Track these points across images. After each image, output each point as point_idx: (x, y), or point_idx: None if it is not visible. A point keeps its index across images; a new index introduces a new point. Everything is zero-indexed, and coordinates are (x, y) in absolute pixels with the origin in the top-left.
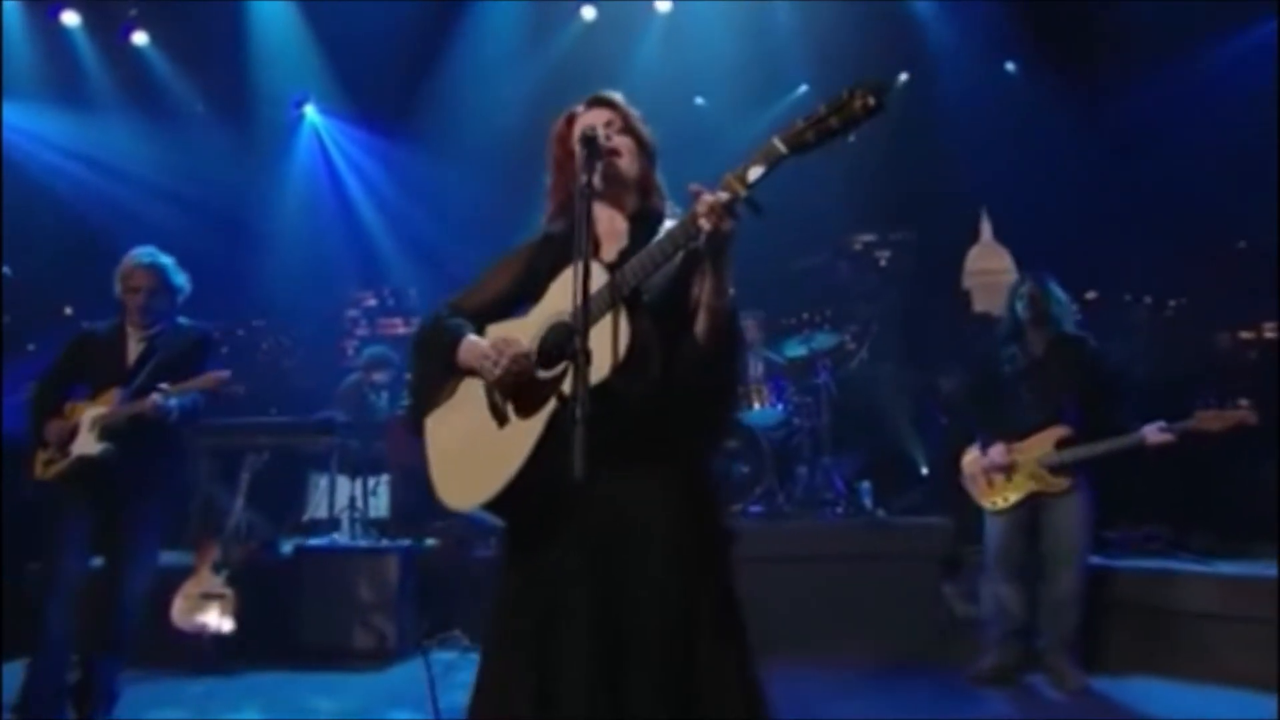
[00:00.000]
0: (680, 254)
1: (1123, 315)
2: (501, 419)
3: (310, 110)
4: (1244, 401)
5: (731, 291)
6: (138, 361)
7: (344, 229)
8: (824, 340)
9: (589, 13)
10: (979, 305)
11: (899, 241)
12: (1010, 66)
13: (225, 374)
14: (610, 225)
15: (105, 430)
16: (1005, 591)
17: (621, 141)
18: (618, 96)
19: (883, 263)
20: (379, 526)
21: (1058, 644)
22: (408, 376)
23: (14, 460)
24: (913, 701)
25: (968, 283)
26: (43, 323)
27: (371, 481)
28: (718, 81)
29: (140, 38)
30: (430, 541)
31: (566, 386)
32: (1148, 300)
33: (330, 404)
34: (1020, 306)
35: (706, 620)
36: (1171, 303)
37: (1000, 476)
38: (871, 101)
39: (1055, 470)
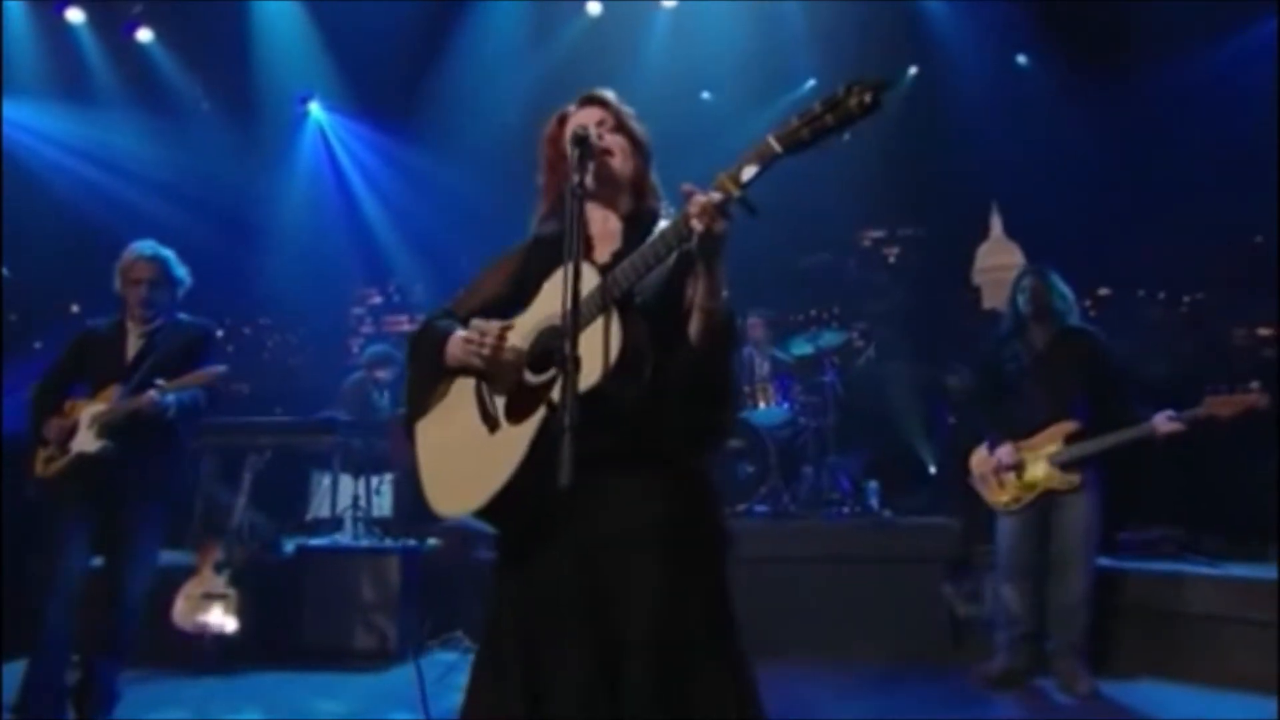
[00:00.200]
0: (674, 255)
1: (1136, 311)
2: (492, 425)
3: (315, 107)
4: (1255, 384)
5: (726, 293)
6: (137, 358)
7: (349, 226)
8: (831, 338)
9: (594, 8)
10: (989, 302)
11: (908, 238)
12: (1021, 59)
13: (222, 369)
14: (604, 226)
15: (104, 427)
16: (1015, 594)
17: (614, 140)
18: (610, 95)
19: (891, 259)
20: (382, 526)
21: (1066, 647)
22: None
23: (17, 459)
24: (919, 704)
25: (978, 279)
26: (48, 321)
27: (375, 481)
28: (724, 77)
29: (145, 35)
30: (433, 542)
31: (557, 393)
32: (1162, 296)
33: (335, 402)
34: (1022, 301)
35: (701, 625)
36: (1186, 298)
37: (1010, 476)
38: (868, 99)
39: (1066, 467)
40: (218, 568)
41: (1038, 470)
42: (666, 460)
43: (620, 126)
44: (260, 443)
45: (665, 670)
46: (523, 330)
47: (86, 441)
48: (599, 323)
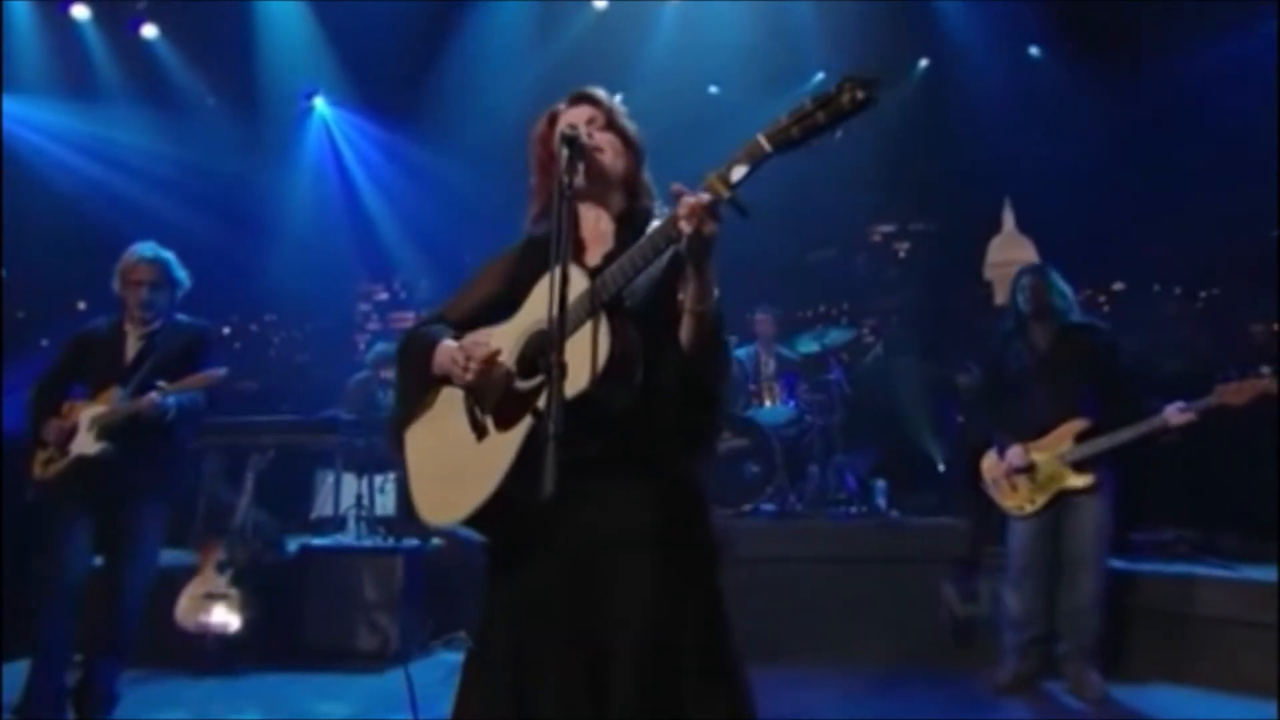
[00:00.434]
0: (665, 257)
1: (1151, 306)
2: (480, 432)
3: (319, 103)
4: (1265, 369)
5: (717, 294)
6: (136, 359)
7: (354, 222)
8: (838, 336)
9: (600, 3)
10: (1001, 298)
11: (918, 233)
12: (1034, 51)
13: (222, 371)
14: (595, 227)
15: (104, 429)
16: (1027, 598)
17: (604, 138)
18: (600, 92)
19: (901, 254)
20: (386, 525)
21: (1077, 650)
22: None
23: (18, 458)
24: (927, 707)
25: (989, 274)
26: (55, 318)
27: (379, 479)
28: (732, 71)
29: (149, 31)
30: (436, 541)
31: (544, 400)
32: (1178, 291)
33: (339, 401)
34: (1021, 300)
35: (693, 631)
36: (1203, 294)
37: (1022, 479)
38: (861, 95)
39: (1079, 465)
40: (220, 567)
41: (1050, 471)
42: (657, 465)
43: (611, 124)
44: (263, 442)
45: (655, 676)
46: (513, 334)
47: (86, 443)
48: (588, 328)
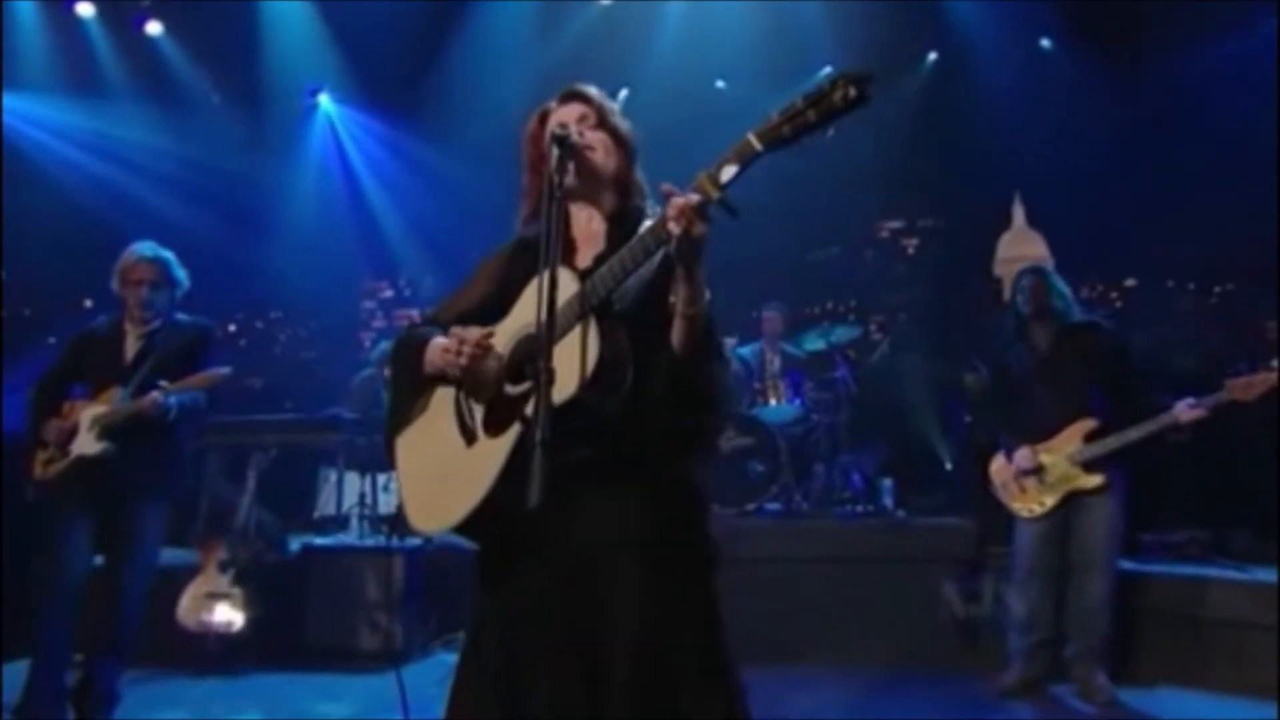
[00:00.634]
0: (656, 259)
1: (1165, 302)
2: (470, 437)
3: (324, 99)
4: (1275, 363)
5: (708, 296)
6: (136, 359)
7: (359, 219)
8: (843, 334)
9: None
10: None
11: (927, 229)
12: (1045, 44)
13: (225, 371)
14: (587, 227)
15: (105, 429)
16: (1033, 600)
17: (596, 137)
18: (592, 90)
19: (910, 251)
20: (388, 523)
21: (1086, 653)
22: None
23: (18, 458)
24: (933, 709)
25: (999, 271)
26: (61, 316)
27: (382, 478)
28: (739, 65)
29: (154, 27)
30: (438, 541)
31: (532, 406)
32: (1191, 287)
33: (344, 399)
34: (1020, 301)
35: (688, 638)
36: (1217, 289)
37: (1032, 481)
38: (853, 93)
39: (1088, 465)
40: (222, 567)
41: (1059, 472)
42: (650, 470)
43: (602, 122)
44: (265, 441)
45: (650, 680)
46: (503, 337)
47: (87, 444)
48: (576, 331)
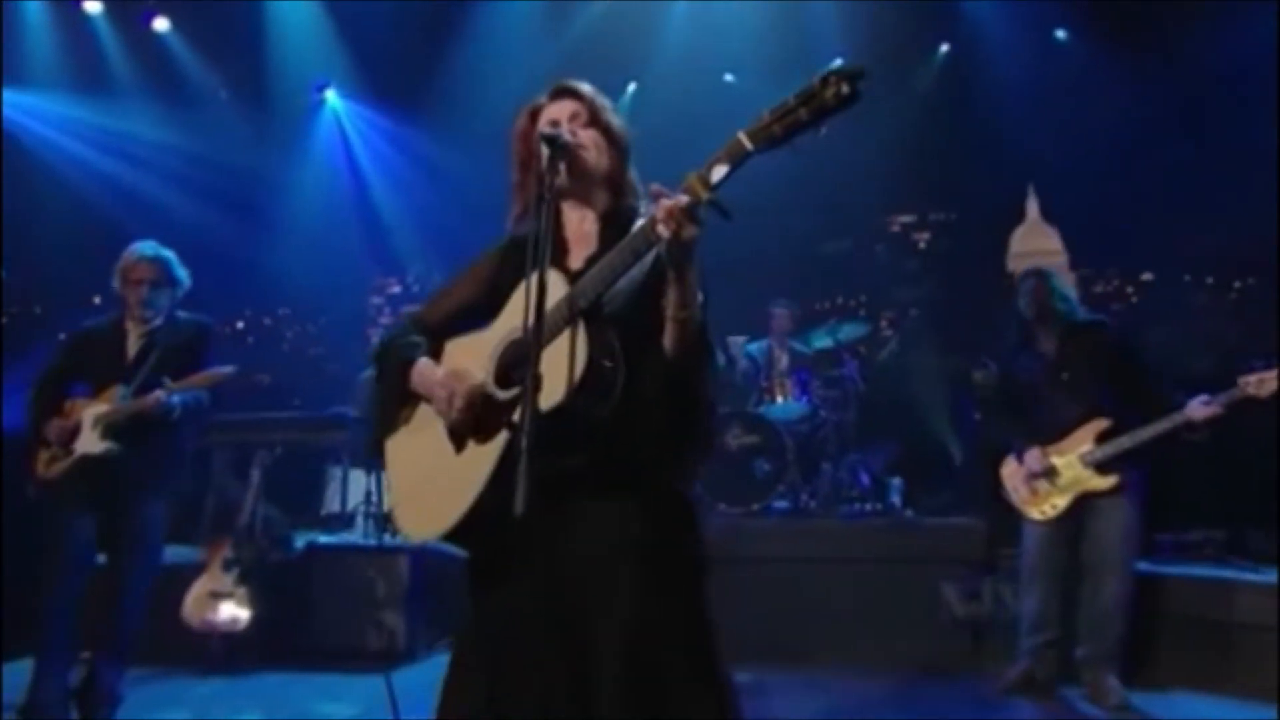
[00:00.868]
0: (648, 261)
1: (1181, 297)
2: (459, 443)
3: (331, 95)
4: None
5: (701, 299)
6: (137, 357)
7: (367, 215)
8: (851, 331)
9: None
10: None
11: (939, 222)
12: (1060, 34)
13: (229, 370)
14: (579, 228)
15: (108, 428)
16: (1043, 602)
17: (588, 135)
18: (584, 86)
19: (922, 245)
20: (388, 522)
21: (1097, 656)
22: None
23: (18, 457)
24: (940, 711)
25: (1013, 265)
26: (71, 313)
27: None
28: (748, 58)
29: (161, 24)
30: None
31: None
32: (1209, 281)
33: (350, 396)
34: (1023, 305)
35: (678, 649)
36: (1236, 284)
37: (1043, 483)
38: (845, 90)
39: (1101, 467)
40: (226, 565)
41: (1071, 474)
42: (641, 478)
43: (595, 120)
44: (270, 439)
45: (639, 689)
46: (492, 341)
47: (91, 442)
48: (565, 336)
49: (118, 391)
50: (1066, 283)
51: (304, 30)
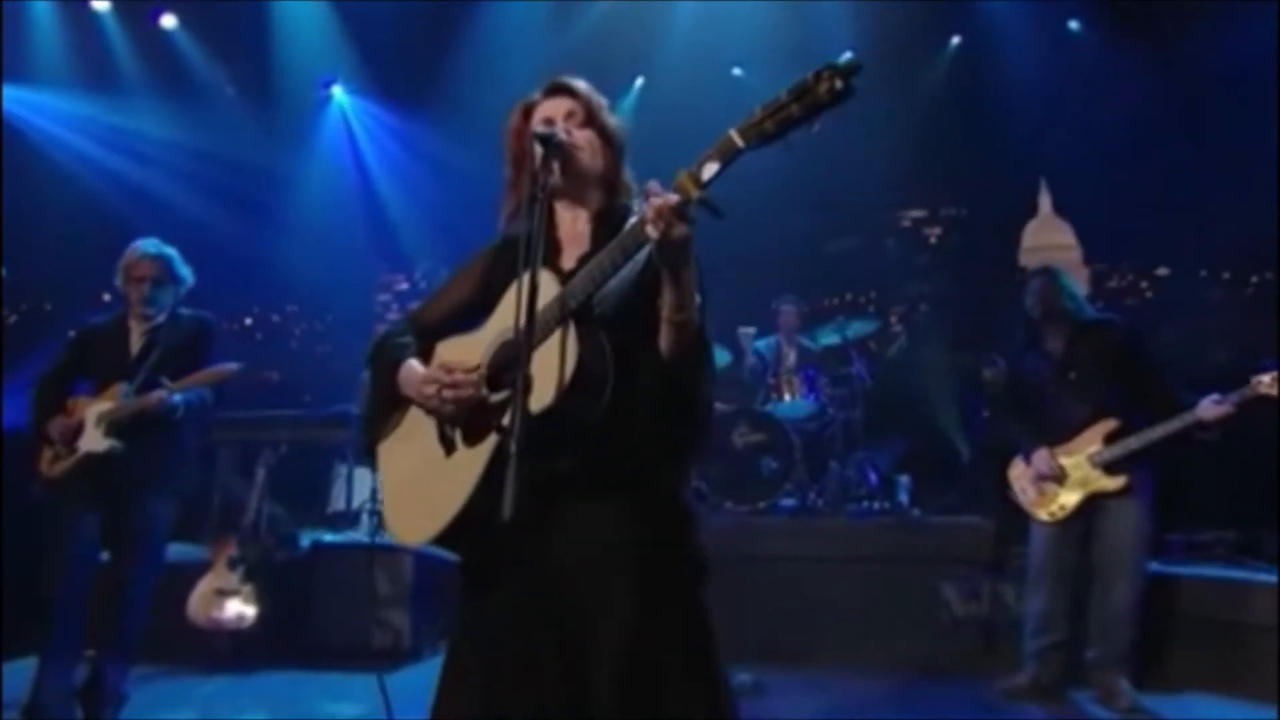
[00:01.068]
0: (642, 260)
1: (1198, 293)
2: (449, 447)
3: (338, 91)
4: None
5: (699, 300)
6: (140, 355)
7: (374, 212)
8: (860, 327)
9: None
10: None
11: (950, 217)
12: (1074, 26)
13: (232, 367)
14: (573, 227)
15: (111, 426)
16: (1049, 604)
17: (583, 136)
18: (580, 84)
19: (933, 240)
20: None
21: (1108, 659)
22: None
23: (26, 454)
24: (947, 712)
25: (1025, 260)
26: (81, 310)
27: None
28: (756, 52)
29: (169, 21)
30: None
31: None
32: (1226, 276)
33: (356, 394)
34: (1030, 304)
35: (674, 655)
36: (1254, 278)
37: (1052, 484)
38: (839, 85)
39: (1109, 468)
40: (231, 564)
41: (1079, 475)
42: (635, 482)
43: (591, 120)
44: (276, 437)
45: (633, 694)
46: (484, 341)
47: (94, 440)
48: (556, 337)
49: (121, 389)
50: (1075, 281)
51: (310, 26)
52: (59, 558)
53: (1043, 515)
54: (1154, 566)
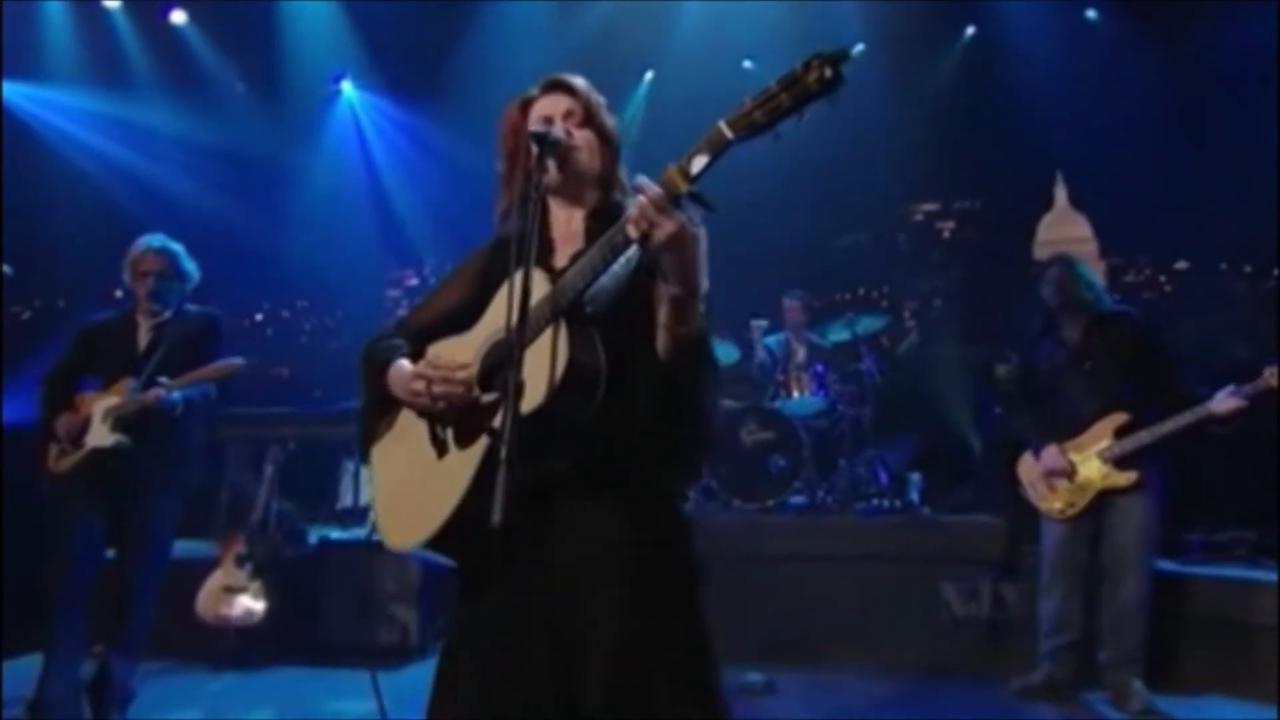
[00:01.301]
0: (633, 257)
1: (1217, 286)
2: (441, 449)
3: (347, 86)
4: None
5: (703, 309)
6: (147, 350)
7: (383, 207)
8: (870, 323)
9: None
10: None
11: (964, 211)
12: (1090, 14)
13: (237, 362)
14: (567, 226)
15: (118, 421)
16: (1063, 603)
17: (581, 136)
18: (579, 81)
19: (945, 234)
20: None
21: (1120, 659)
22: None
23: (27, 451)
24: (959, 712)
25: (1040, 254)
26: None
27: None
28: (767, 44)
29: (178, 16)
30: None
31: (500, 418)
32: (1247, 270)
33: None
34: (1048, 294)
35: (666, 660)
36: (1275, 272)
37: (1061, 480)
38: (828, 73)
39: (1120, 462)
40: (240, 560)
41: (1089, 470)
42: (630, 483)
43: (589, 119)
44: (283, 433)
45: (627, 700)
46: (476, 342)
47: (101, 435)
48: (547, 336)
49: (128, 384)
50: (1093, 271)
51: (319, 22)
52: (64, 554)
53: (1052, 512)
54: (1171, 566)
